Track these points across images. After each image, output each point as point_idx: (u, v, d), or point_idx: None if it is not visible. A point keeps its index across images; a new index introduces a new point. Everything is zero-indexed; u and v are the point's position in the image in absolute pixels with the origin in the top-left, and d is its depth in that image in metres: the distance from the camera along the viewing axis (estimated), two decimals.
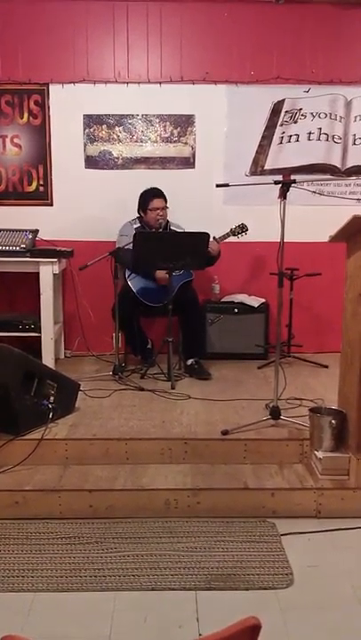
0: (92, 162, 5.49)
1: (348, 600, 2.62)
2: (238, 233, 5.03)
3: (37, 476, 3.43)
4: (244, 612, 1.34)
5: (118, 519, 3.19)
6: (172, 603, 2.59)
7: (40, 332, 4.93)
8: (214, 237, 4.88)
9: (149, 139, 5.47)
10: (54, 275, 4.91)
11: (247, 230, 5.03)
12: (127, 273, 4.94)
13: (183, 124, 5.44)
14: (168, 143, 5.48)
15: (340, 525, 3.15)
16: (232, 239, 5.03)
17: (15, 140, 5.42)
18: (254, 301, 5.36)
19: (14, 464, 3.46)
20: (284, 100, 5.42)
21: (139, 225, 4.99)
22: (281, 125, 5.45)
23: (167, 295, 4.63)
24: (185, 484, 3.34)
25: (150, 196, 4.96)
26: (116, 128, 5.44)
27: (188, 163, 5.51)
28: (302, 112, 5.44)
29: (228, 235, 5.01)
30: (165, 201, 4.96)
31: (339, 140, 5.48)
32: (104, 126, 5.44)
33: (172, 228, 5.04)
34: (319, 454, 3.40)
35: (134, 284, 4.91)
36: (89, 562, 2.85)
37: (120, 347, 4.92)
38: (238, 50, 5.31)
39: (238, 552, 2.92)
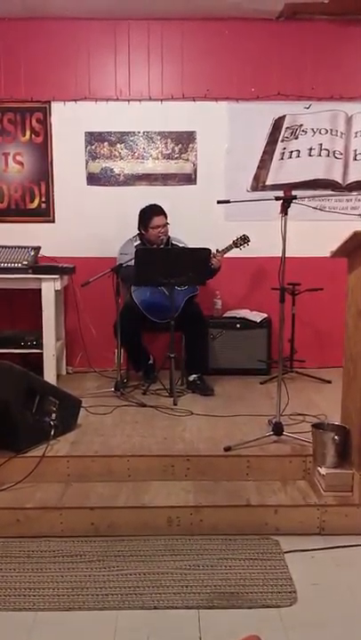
0: (93, 179, 5.51)
1: (351, 618, 2.58)
2: (240, 244, 4.99)
3: (39, 494, 3.41)
4: (247, 630, 1.33)
5: (120, 537, 3.16)
6: (175, 621, 2.56)
7: (42, 349, 4.94)
8: (216, 250, 4.87)
9: (151, 155, 5.49)
10: (56, 291, 4.92)
11: (249, 241, 5.00)
12: (133, 288, 4.92)
13: (184, 140, 5.47)
14: (169, 160, 5.50)
15: (344, 542, 3.12)
16: (234, 253, 5.00)
17: (17, 158, 5.45)
18: (256, 317, 5.35)
19: (15, 481, 3.44)
20: (284, 116, 5.44)
21: (139, 242, 4.98)
22: (282, 141, 5.48)
23: (173, 311, 4.62)
24: (187, 502, 3.31)
25: (150, 214, 4.93)
26: (118, 145, 5.47)
27: (189, 179, 5.53)
28: (303, 128, 5.46)
29: (230, 247, 4.97)
30: (166, 217, 4.95)
31: (340, 156, 5.50)
32: (106, 143, 5.46)
33: (173, 243, 5.03)
34: (322, 471, 3.38)
35: (139, 299, 4.89)
36: (90, 580, 2.82)
37: (122, 363, 4.91)
38: (239, 67, 5.35)
39: (241, 570, 2.90)
